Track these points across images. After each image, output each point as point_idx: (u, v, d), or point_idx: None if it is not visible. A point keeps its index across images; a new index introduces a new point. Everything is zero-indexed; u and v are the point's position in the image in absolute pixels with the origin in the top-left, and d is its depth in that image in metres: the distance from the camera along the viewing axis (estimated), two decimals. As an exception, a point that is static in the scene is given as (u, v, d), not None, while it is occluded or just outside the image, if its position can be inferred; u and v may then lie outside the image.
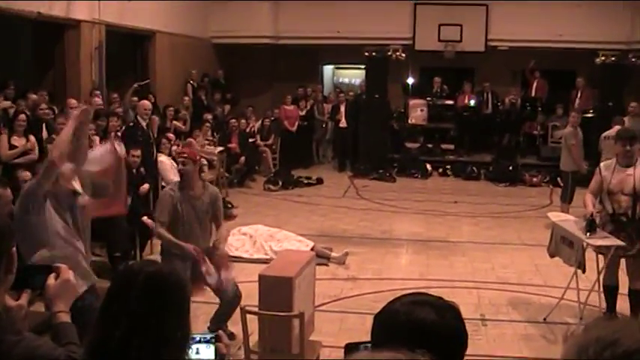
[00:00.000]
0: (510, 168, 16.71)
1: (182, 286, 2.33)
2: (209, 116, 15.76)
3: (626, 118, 13.05)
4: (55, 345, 2.27)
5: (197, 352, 2.63)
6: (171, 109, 14.55)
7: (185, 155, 6.77)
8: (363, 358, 1.43)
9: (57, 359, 2.20)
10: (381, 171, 16.83)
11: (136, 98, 12.42)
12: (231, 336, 6.34)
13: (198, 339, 2.63)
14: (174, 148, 12.12)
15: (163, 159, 11.70)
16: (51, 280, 2.53)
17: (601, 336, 1.39)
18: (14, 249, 2.28)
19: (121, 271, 2.45)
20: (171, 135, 12.91)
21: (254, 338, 5.75)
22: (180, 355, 2.28)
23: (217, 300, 7.81)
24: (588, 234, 7.02)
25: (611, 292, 7.39)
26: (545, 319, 7.67)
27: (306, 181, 15.93)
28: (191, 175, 6.73)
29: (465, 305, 8.01)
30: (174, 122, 14.30)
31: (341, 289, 8.67)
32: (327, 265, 9.62)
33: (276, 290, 5.66)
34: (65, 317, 2.51)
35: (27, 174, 7.99)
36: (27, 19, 11.67)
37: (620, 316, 7.14)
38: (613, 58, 16.83)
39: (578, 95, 17.59)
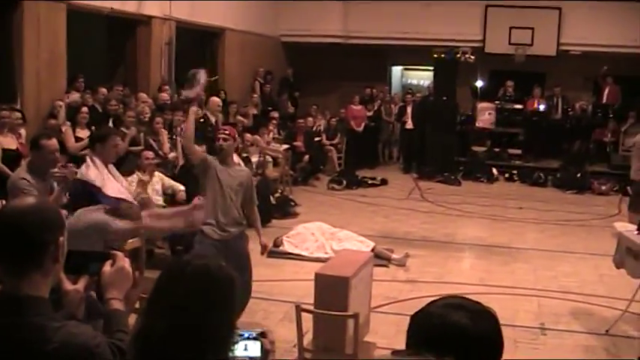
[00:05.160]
0: (579, 175, 16.37)
1: (230, 281, 2.30)
2: (276, 114, 15.85)
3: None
4: (97, 333, 2.31)
5: (245, 349, 2.64)
6: (235, 105, 14.64)
7: (227, 132, 6.87)
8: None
9: (96, 346, 2.23)
10: (446, 174, 16.69)
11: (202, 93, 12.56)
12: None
13: (246, 335, 2.64)
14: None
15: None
16: (107, 267, 2.57)
17: None
18: (62, 238, 2.32)
19: (169, 263, 2.47)
20: (249, 136, 13.14)
21: (308, 337, 5.76)
22: (224, 351, 2.27)
23: (274, 297, 7.89)
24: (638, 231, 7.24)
25: None
26: (607, 331, 7.47)
27: (370, 182, 15.87)
28: (229, 152, 6.84)
29: (524, 313, 7.93)
30: (239, 117, 14.38)
31: (400, 291, 8.62)
32: (387, 266, 9.59)
33: (332, 290, 5.65)
34: (118, 304, 2.54)
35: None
36: (100, 14, 11.92)
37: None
38: (689, 65, 16.39)
39: (653, 103, 17.14)
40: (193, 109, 6.95)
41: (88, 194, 6.32)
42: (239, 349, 2.60)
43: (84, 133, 10.06)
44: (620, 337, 7.31)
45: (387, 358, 1.47)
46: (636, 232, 7.62)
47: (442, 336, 1.84)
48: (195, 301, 2.19)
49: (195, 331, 2.17)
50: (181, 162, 10.76)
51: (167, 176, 9.87)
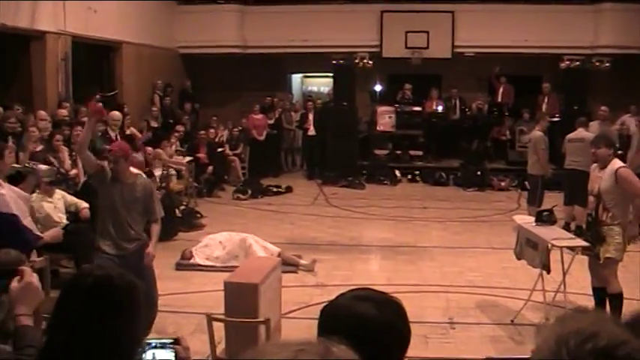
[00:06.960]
0: (478, 173, 16.80)
1: (131, 289, 2.29)
2: (181, 127, 15.68)
3: (595, 122, 13.05)
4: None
5: (153, 358, 2.60)
6: (128, 117, 14.25)
7: (117, 154, 6.62)
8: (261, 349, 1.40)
9: None
10: (350, 178, 16.84)
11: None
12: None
13: (154, 344, 2.60)
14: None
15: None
16: (14, 282, 2.52)
17: (581, 328, 1.37)
18: None
19: (72, 276, 2.44)
20: (151, 150, 12.98)
21: (221, 347, 5.73)
22: (128, 359, 2.25)
23: (184, 310, 7.82)
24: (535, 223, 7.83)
25: (595, 293, 7.45)
26: (512, 320, 7.71)
27: (275, 190, 15.89)
28: (123, 171, 6.64)
29: (433, 309, 8.07)
30: (132, 129, 14.02)
31: (310, 296, 8.65)
32: (296, 272, 9.61)
33: (242, 297, 5.65)
34: (27, 320, 2.50)
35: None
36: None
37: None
38: (577, 63, 17.02)
39: (545, 100, 17.71)
40: (94, 119, 6.84)
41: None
42: (147, 358, 2.55)
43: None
44: (524, 326, 7.54)
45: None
46: (534, 224, 7.89)
47: (350, 327, 1.87)
48: (97, 309, 2.17)
49: (98, 340, 2.14)
50: (83, 178, 10.53)
51: (69, 193, 9.63)
